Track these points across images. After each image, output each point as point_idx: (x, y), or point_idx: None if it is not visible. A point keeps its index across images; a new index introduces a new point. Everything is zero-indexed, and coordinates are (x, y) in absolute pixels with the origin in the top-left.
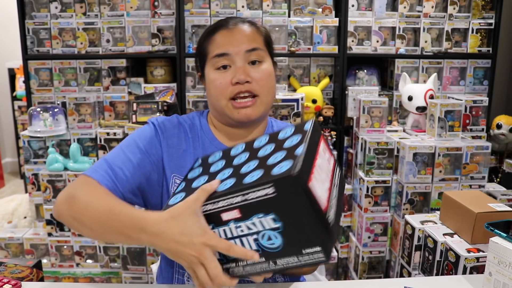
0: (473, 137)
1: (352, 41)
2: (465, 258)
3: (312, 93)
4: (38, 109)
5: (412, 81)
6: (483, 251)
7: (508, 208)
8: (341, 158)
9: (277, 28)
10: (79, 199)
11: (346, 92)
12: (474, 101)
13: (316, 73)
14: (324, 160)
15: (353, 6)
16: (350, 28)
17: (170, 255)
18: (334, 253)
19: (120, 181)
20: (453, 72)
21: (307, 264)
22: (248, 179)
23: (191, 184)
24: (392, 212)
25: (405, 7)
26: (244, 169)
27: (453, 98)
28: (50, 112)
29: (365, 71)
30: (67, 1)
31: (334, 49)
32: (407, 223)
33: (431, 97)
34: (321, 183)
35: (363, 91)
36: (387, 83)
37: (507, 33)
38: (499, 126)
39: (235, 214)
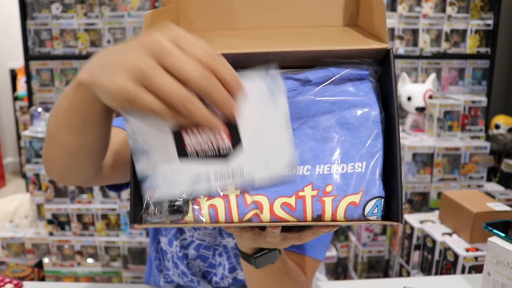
0: (471, 137)
1: None
2: (464, 258)
3: None
4: (39, 110)
5: (411, 81)
6: (482, 251)
7: (507, 208)
8: None
9: None
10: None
11: None
12: (473, 102)
13: None
14: None
15: None
16: None
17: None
18: (333, 253)
19: None
20: (452, 73)
21: None
22: None
23: None
24: None
25: (404, 8)
26: None
27: (452, 98)
28: None
29: None
30: (68, 2)
31: None
32: (406, 222)
33: (430, 97)
34: None
35: None
36: None
37: (505, 34)
38: (497, 126)
39: None
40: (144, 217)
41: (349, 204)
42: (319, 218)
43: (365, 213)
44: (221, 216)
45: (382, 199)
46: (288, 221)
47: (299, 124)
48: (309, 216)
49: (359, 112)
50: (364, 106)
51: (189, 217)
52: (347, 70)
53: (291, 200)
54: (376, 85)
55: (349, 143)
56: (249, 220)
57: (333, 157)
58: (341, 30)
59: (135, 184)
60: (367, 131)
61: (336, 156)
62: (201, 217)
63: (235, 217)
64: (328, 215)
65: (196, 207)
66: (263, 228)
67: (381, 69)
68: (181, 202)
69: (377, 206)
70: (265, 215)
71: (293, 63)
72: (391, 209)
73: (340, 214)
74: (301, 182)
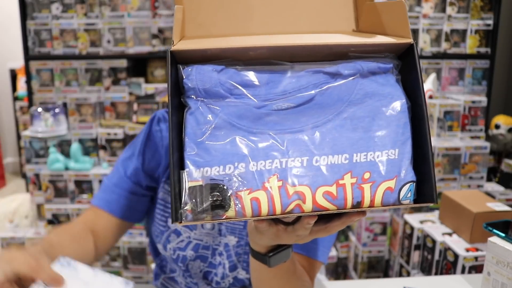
0: (471, 137)
1: None
2: (464, 258)
3: None
4: (40, 110)
5: None
6: (482, 251)
7: (507, 208)
8: None
9: None
10: None
11: None
12: (473, 102)
13: None
14: None
15: None
16: None
17: None
18: (333, 253)
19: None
20: (452, 73)
21: None
22: None
23: None
24: (392, 212)
25: None
26: None
27: (452, 98)
28: (51, 112)
29: None
30: (68, 2)
31: None
32: (406, 222)
33: (430, 97)
34: None
35: None
36: None
37: (505, 34)
38: (497, 126)
39: None
40: (185, 214)
41: (386, 189)
42: (358, 205)
43: (400, 198)
44: (264, 208)
45: (414, 183)
46: (328, 210)
47: (333, 115)
48: (349, 203)
49: (388, 102)
50: (393, 96)
51: (231, 211)
52: (374, 63)
53: (332, 189)
54: (399, 77)
55: (381, 132)
56: (291, 211)
57: (368, 145)
58: (353, 33)
59: (175, 182)
60: (397, 120)
61: (371, 144)
62: (243, 211)
63: (278, 208)
64: (367, 201)
65: (237, 201)
66: (286, 224)
67: (401, 63)
68: (223, 197)
69: (410, 190)
70: (308, 205)
71: (317, 59)
72: (423, 192)
73: (377, 200)
74: (340, 171)
